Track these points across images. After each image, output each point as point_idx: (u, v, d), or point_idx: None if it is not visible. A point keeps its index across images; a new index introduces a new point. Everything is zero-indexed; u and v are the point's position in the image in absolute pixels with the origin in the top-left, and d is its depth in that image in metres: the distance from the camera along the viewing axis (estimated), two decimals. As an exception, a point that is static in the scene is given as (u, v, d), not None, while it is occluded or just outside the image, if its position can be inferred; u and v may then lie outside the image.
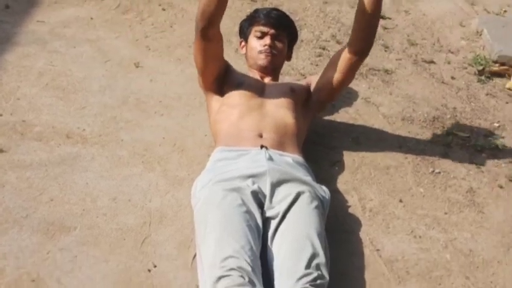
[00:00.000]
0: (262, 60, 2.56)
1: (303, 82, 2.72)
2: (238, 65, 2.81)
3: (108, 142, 2.51)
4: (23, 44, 2.99)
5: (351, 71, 2.53)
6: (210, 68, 2.49)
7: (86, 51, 3.01)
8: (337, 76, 2.52)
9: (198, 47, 2.42)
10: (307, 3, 3.65)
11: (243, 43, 2.69)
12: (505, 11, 3.78)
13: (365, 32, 2.44)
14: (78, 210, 2.20)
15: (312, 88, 2.60)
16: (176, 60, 3.04)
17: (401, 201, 2.43)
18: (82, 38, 3.10)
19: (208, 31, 2.34)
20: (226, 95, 2.46)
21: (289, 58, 2.74)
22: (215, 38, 2.39)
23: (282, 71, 2.90)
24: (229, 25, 3.20)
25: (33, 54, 2.93)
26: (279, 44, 2.59)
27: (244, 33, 2.67)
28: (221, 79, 2.51)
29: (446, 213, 2.40)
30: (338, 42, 3.31)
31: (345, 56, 2.49)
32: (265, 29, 2.57)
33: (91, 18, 3.24)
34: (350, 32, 3.37)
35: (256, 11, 2.68)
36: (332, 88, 2.55)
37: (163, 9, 3.41)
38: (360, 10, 2.39)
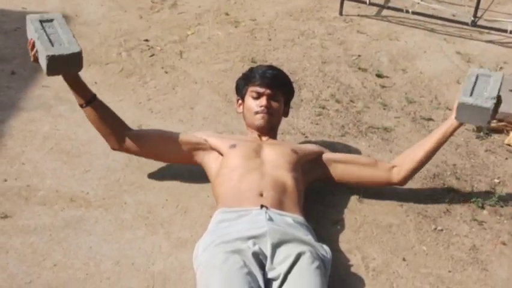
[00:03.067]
0: (258, 120, 2.61)
1: (311, 147, 2.72)
2: (241, 124, 2.85)
3: (111, 205, 2.53)
4: (28, 109, 3.05)
5: (375, 184, 2.67)
6: (168, 158, 2.65)
7: (90, 115, 3.06)
8: (361, 179, 2.64)
9: (145, 155, 2.64)
10: (307, 63, 3.73)
11: (239, 101, 2.74)
12: (501, 68, 3.85)
13: (417, 171, 2.65)
14: (81, 275, 2.20)
15: (323, 160, 2.62)
16: (179, 122, 3.10)
17: (404, 259, 2.42)
18: (86, 102, 3.16)
19: (121, 148, 2.58)
20: (224, 158, 2.49)
21: (286, 114, 2.79)
22: (136, 144, 2.56)
23: (282, 130, 2.95)
24: (230, 86, 3.27)
25: (38, 119, 2.99)
26: (275, 104, 2.64)
27: (240, 92, 2.73)
28: (201, 153, 2.58)
29: (450, 272, 2.39)
30: (337, 101, 3.37)
31: (382, 175, 2.62)
32: (260, 89, 2.62)
33: (95, 83, 3.31)
34: (348, 91, 3.46)
35: (251, 70, 2.73)
36: (348, 182, 2.66)
37: (166, 72, 3.49)
38: (421, 153, 2.59)
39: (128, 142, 2.55)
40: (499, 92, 2.49)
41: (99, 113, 2.50)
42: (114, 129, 2.54)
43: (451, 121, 2.55)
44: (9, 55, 3.50)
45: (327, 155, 2.65)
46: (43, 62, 2.31)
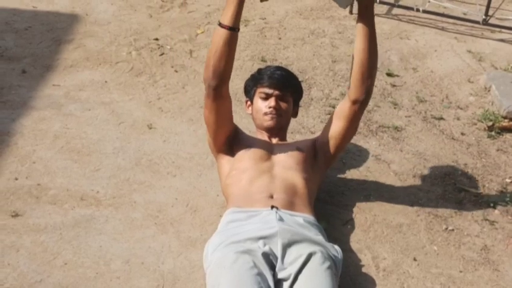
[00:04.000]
0: (268, 122, 2.60)
1: (308, 139, 2.72)
2: (251, 124, 2.86)
3: (121, 204, 2.54)
4: (39, 108, 3.06)
5: (353, 121, 2.53)
6: (222, 128, 2.52)
7: (100, 114, 3.07)
8: (340, 127, 2.53)
9: (210, 106, 2.44)
10: (317, 62, 3.72)
11: (248, 102, 2.73)
12: (513, 67, 3.82)
13: (362, 79, 2.44)
14: (91, 273, 2.21)
15: (317, 143, 2.62)
16: (189, 121, 3.10)
17: (415, 259, 2.41)
18: (97, 100, 3.17)
19: (222, 88, 2.39)
20: (236, 159, 2.49)
21: (295, 115, 2.77)
22: (227, 95, 2.44)
23: (292, 129, 2.94)
24: (240, 85, 3.26)
25: (49, 117, 3.00)
26: (283, 105, 2.63)
27: (249, 93, 2.72)
28: (231, 141, 2.55)
29: (461, 272, 2.38)
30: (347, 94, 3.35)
31: (346, 106, 2.51)
32: (269, 90, 2.61)
33: (105, 82, 3.32)
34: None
35: (259, 71, 2.72)
36: (336, 140, 2.55)
37: (176, 71, 3.49)
38: (357, 56, 2.42)
39: (228, 86, 2.42)
40: None
41: (234, 44, 2.34)
42: (230, 66, 2.37)
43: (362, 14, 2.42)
44: (20, 54, 3.51)
45: (317, 139, 2.63)
46: None
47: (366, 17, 2.41)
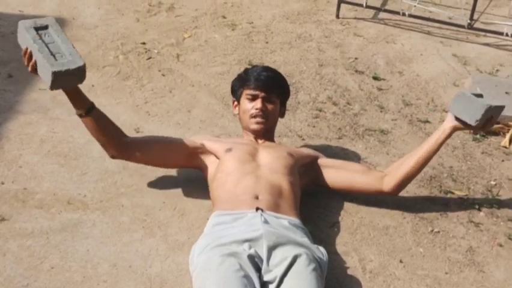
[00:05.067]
0: (253, 125, 2.61)
1: (307, 151, 2.73)
2: (238, 127, 2.87)
3: (109, 208, 2.53)
4: (25, 112, 3.05)
5: (364, 193, 2.65)
6: (167, 165, 2.67)
7: (87, 118, 3.06)
8: (352, 186, 2.62)
9: (145, 162, 2.62)
10: (304, 66, 3.74)
11: (235, 103, 2.74)
12: (497, 70, 3.86)
13: (407, 182, 2.61)
14: (78, 277, 2.20)
15: (318, 165, 2.63)
16: (176, 125, 3.10)
17: (401, 261, 2.43)
18: (83, 105, 3.16)
19: (120, 156, 2.55)
20: (221, 161, 2.49)
21: (282, 115, 2.79)
22: (135, 153, 2.52)
23: (279, 133, 2.95)
24: (227, 89, 3.27)
25: (35, 121, 2.99)
26: (270, 106, 2.64)
27: (236, 93, 2.73)
28: (198, 158, 2.58)
29: (446, 273, 2.39)
30: (334, 104, 3.38)
31: (375, 186, 2.60)
32: (255, 92, 2.62)
33: (92, 86, 3.32)
34: (345, 94, 3.47)
35: (246, 72, 2.73)
36: (340, 188, 2.64)
37: (163, 75, 3.50)
38: (417, 163, 2.56)
39: (127, 150, 2.52)
40: (497, 111, 2.50)
41: (98, 122, 2.45)
42: (112, 137, 2.49)
43: (443, 128, 2.54)
44: (6, 58, 3.50)
45: (322, 160, 2.66)
46: (46, 76, 2.24)
47: (442, 140, 2.55)
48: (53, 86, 2.27)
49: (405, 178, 2.58)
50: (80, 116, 2.45)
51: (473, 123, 2.45)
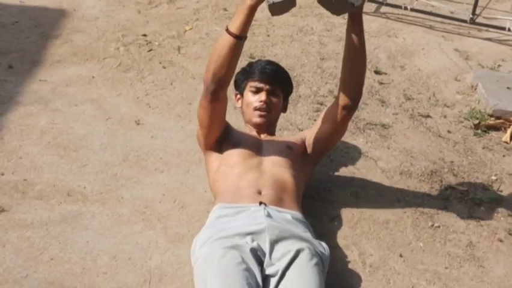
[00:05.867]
0: (256, 118, 2.60)
1: (298, 137, 2.71)
2: (239, 120, 2.86)
3: (108, 200, 2.53)
4: (26, 103, 3.04)
5: (341, 125, 2.55)
6: (214, 128, 2.51)
7: (87, 110, 3.06)
8: (330, 129, 2.55)
9: (206, 108, 2.41)
10: (305, 59, 3.72)
11: (238, 96, 2.73)
12: (499, 66, 3.85)
13: (350, 85, 2.46)
14: (78, 269, 2.20)
15: (306, 142, 2.63)
16: (177, 117, 3.09)
17: (401, 256, 2.42)
18: (84, 96, 3.16)
19: (219, 93, 2.37)
20: (225, 154, 2.48)
21: (285, 110, 2.78)
22: (224, 98, 2.42)
23: (280, 126, 2.95)
24: (228, 82, 3.26)
25: (36, 113, 2.99)
26: (274, 99, 2.63)
27: (239, 87, 2.72)
28: (221, 139, 2.54)
29: (446, 268, 2.39)
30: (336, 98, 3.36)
31: (334, 110, 2.52)
32: (260, 84, 2.61)
33: (93, 77, 3.31)
34: (346, 87, 3.45)
35: (250, 65, 2.72)
36: (326, 141, 2.58)
37: (164, 67, 3.48)
38: (346, 62, 2.43)
39: (224, 90, 2.38)
40: None
41: (239, 53, 2.32)
42: (231, 73, 2.35)
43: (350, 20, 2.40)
44: (7, 49, 3.49)
45: (306, 136, 2.64)
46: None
47: (356, 23, 2.39)
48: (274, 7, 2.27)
49: (347, 81, 2.44)
50: (240, 38, 2.25)
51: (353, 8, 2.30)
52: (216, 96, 2.36)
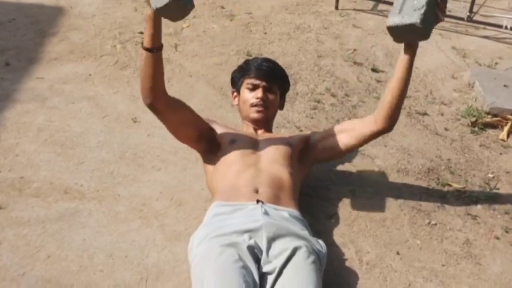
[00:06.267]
0: (254, 114, 2.60)
1: (302, 135, 2.69)
2: (236, 118, 2.86)
3: (105, 197, 2.53)
4: (23, 101, 3.04)
5: (366, 142, 2.56)
6: (188, 135, 2.51)
7: (84, 107, 3.05)
8: (350, 143, 2.54)
9: (163, 121, 2.44)
10: (302, 57, 3.72)
11: (235, 93, 2.73)
12: (496, 63, 3.85)
13: (395, 110, 2.45)
14: (75, 267, 2.20)
15: (314, 143, 2.60)
16: (174, 115, 3.08)
17: (398, 253, 2.43)
18: (81, 94, 3.15)
19: (156, 106, 2.37)
20: (221, 152, 2.48)
21: (282, 107, 2.77)
22: (173, 106, 2.41)
23: (277, 124, 2.94)
24: (226, 79, 3.26)
25: (33, 110, 2.98)
26: (271, 96, 2.63)
27: (236, 84, 2.71)
28: (209, 139, 2.52)
29: (443, 266, 2.39)
30: (333, 95, 3.37)
31: (366, 129, 2.50)
32: (256, 81, 2.61)
33: (90, 75, 3.30)
34: (343, 85, 3.46)
35: (247, 62, 2.72)
36: (339, 152, 2.57)
37: (161, 65, 3.47)
38: (395, 88, 2.41)
39: (164, 101, 2.39)
40: None
41: (159, 63, 2.32)
42: (159, 84, 2.35)
43: (405, 48, 2.39)
44: (4, 46, 3.48)
45: (317, 135, 2.62)
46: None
47: (412, 53, 2.37)
48: (160, 10, 2.12)
49: (391, 105, 2.43)
50: (151, 51, 2.27)
51: (426, 38, 2.26)
52: (155, 109, 2.38)
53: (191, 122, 2.49)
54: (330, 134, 2.57)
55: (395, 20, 2.20)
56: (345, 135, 2.54)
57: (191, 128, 2.50)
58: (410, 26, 2.17)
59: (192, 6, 2.14)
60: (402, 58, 2.38)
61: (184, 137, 2.53)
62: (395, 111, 2.45)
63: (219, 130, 2.56)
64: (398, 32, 2.23)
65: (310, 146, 2.60)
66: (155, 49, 2.26)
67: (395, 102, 2.43)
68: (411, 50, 2.35)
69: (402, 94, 2.43)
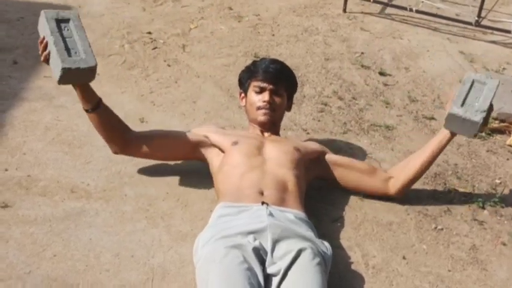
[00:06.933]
0: (260, 116, 2.60)
1: (316, 146, 2.70)
2: (243, 119, 2.85)
3: (112, 197, 2.53)
4: (30, 99, 3.04)
5: (372, 194, 2.66)
6: (171, 157, 2.67)
7: (92, 107, 3.05)
8: (358, 187, 2.65)
9: (145, 157, 2.61)
10: (309, 59, 3.72)
11: (242, 95, 2.73)
12: (504, 69, 3.85)
13: (412, 182, 2.63)
14: (81, 266, 2.20)
15: (327, 162, 2.63)
16: (181, 115, 3.09)
17: (404, 258, 2.42)
18: (88, 93, 3.15)
19: (126, 151, 2.56)
20: (227, 153, 2.48)
21: (289, 108, 2.78)
22: (139, 147, 2.53)
23: (284, 126, 2.94)
24: (233, 81, 3.26)
25: (40, 109, 2.99)
26: (278, 99, 2.63)
27: (243, 85, 2.72)
28: (202, 150, 2.57)
29: (449, 271, 2.39)
30: (340, 98, 3.36)
31: (381, 188, 2.63)
32: (263, 84, 2.61)
33: (97, 74, 3.27)
34: (351, 88, 3.45)
35: (254, 64, 2.72)
36: (344, 186, 2.66)
37: (168, 65, 3.48)
38: (420, 164, 2.58)
39: (129, 147, 2.54)
40: (491, 102, 2.47)
41: (103, 118, 2.47)
42: (117, 134, 2.51)
43: (444, 132, 2.56)
44: (12, 45, 3.49)
45: (329, 156, 2.65)
46: (56, 70, 2.27)
47: (448, 140, 2.57)
48: (61, 81, 2.29)
49: (410, 181, 2.61)
50: (87, 111, 2.45)
51: (472, 137, 2.61)
52: (127, 154, 2.58)
53: (173, 145, 2.59)
54: (346, 166, 2.65)
55: (458, 111, 2.46)
56: (358, 177, 2.63)
57: (176, 150, 2.60)
58: (470, 122, 2.44)
59: (93, 68, 2.32)
60: (441, 141, 2.56)
61: (175, 158, 2.66)
62: (413, 183, 2.64)
63: (216, 136, 2.57)
64: (455, 121, 2.48)
65: (321, 163, 2.62)
66: (91, 109, 2.43)
67: (417, 178, 2.62)
68: (451, 138, 2.56)
69: (426, 170, 2.62)
